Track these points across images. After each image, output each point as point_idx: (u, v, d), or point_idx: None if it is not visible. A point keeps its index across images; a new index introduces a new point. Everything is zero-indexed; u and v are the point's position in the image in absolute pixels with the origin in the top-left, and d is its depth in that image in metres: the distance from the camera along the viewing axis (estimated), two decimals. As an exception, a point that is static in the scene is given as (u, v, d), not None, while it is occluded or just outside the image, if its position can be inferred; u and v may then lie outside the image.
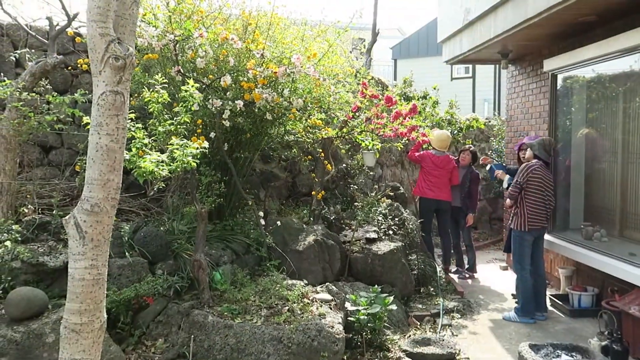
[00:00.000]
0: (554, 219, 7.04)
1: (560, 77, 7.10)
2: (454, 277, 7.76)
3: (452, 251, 8.25)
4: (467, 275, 7.95)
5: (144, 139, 3.77)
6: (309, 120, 5.76)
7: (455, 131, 8.56)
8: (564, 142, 7.10)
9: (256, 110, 4.96)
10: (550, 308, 6.32)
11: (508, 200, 6.07)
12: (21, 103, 4.31)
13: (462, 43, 7.87)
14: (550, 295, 6.51)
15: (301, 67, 4.54)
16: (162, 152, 3.87)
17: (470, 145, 8.05)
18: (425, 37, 22.03)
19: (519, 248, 5.95)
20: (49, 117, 4.40)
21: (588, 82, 6.67)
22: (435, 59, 21.87)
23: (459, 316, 6.14)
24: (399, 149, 7.62)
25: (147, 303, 4.24)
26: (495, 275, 8.10)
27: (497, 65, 17.50)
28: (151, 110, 4.39)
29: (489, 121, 11.95)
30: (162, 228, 5.05)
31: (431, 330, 5.69)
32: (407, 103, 5.99)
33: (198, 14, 4.66)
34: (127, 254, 4.39)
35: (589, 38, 6.21)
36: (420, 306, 6.25)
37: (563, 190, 7.07)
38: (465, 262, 8.16)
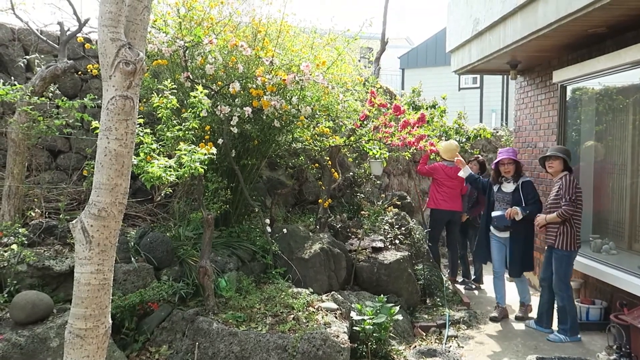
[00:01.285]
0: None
1: (569, 89, 7.06)
2: (460, 287, 7.70)
3: (459, 262, 8.20)
4: (473, 286, 7.88)
5: (152, 144, 3.77)
6: (316, 128, 5.75)
7: (463, 140, 8.53)
8: (572, 153, 7.04)
9: (264, 117, 4.96)
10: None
11: (542, 217, 5.72)
12: (31, 107, 4.32)
13: (471, 53, 7.86)
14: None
15: (310, 75, 4.54)
16: (170, 157, 3.87)
17: (478, 155, 8.01)
18: (434, 47, 22.08)
19: (567, 268, 5.61)
20: (58, 121, 4.41)
21: (597, 94, 6.63)
22: (443, 69, 21.89)
23: (465, 327, 6.08)
24: (407, 158, 7.59)
25: (152, 309, 4.23)
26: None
27: (505, 76, 17.50)
28: (160, 115, 4.40)
29: (497, 132, 11.91)
30: (168, 234, 5.04)
31: (437, 341, 5.63)
32: (416, 112, 5.97)
33: (208, 20, 4.68)
34: (132, 259, 4.38)
35: (599, 50, 6.19)
36: (426, 316, 6.19)
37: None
38: (472, 272, 8.11)
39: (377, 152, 5.81)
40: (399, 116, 5.94)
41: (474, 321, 6.29)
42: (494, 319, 6.34)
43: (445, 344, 5.53)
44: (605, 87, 6.44)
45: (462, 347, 5.55)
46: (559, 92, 7.09)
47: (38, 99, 4.29)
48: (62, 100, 4.34)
